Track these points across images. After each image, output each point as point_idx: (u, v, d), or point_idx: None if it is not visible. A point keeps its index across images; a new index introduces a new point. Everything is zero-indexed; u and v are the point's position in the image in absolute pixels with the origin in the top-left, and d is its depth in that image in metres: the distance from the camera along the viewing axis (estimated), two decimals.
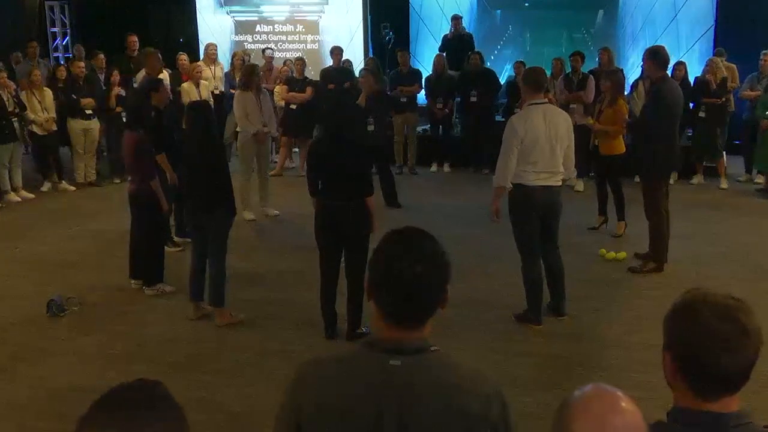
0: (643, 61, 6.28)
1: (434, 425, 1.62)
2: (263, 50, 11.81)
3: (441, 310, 1.71)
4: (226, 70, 11.17)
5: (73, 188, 9.97)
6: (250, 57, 11.75)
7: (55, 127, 9.75)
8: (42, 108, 9.63)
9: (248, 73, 8.39)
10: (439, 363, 1.68)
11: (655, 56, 6.12)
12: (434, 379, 1.64)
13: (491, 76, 10.96)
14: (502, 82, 11.28)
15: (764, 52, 9.76)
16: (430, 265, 1.66)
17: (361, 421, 1.64)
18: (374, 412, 1.63)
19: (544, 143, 5.05)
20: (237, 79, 10.73)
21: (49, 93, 9.75)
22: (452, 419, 1.62)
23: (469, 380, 1.68)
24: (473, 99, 10.55)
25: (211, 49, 11.19)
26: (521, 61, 10.75)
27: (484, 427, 1.65)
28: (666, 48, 6.36)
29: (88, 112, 9.85)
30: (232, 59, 11.29)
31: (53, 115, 9.72)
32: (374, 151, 8.95)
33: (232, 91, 10.67)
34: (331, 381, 1.70)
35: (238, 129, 8.54)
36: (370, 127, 8.87)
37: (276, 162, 10.71)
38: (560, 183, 5.28)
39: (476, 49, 11.30)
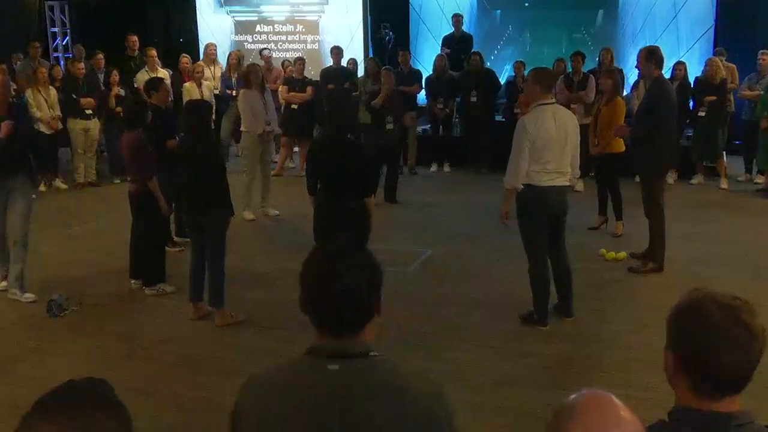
0: (638, 60, 6.31)
1: (376, 427, 1.62)
2: (260, 51, 11.81)
3: (377, 317, 1.73)
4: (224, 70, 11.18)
5: (65, 186, 10.00)
6: (243, 58, 11.75)
7: (60, 126, 9.77)
8: (48, 106, 9.64)
9: (249, 72, 8.37)
10: (378, 367, 1.69)
11: (654, 55, 6.15)
12: (374, 382, 1.65)
13: (492, 76, 10.96)
14: (501, 82, 11.27)
15: (762, 51, 9.76)
16: (348, 281, 1.66)
17: (303, 428, 1.64)
18: (316, 417, 1.63)
19: (554, 143, 5.06)
20: (233, 78, 10.79)
21: (54, 91, 9.78)
22: (393, 421, 1.62)
23: (410, 382, 1.68)
24: (473, 99, 10.55)
25: (210, 49, 11.20)
26: (521, 61, 10.75)
27: (426, 427, 1.64)
28: (661, 48, 6.39)
29: (88, 112, 9.86)
30: (227, 59, 11.27)
31: (58, 113, 9.74)
32: (390, 150, 9.00)
33: (228, 91, 10.71)
34: (273, 389, 1.71)
35: (242, 128, 8.52)
36: (389, 126, 8.88)
37: (276, 162, 10.71)
38: (568, 183, 5.30)
39: (475, 50, 11.30)
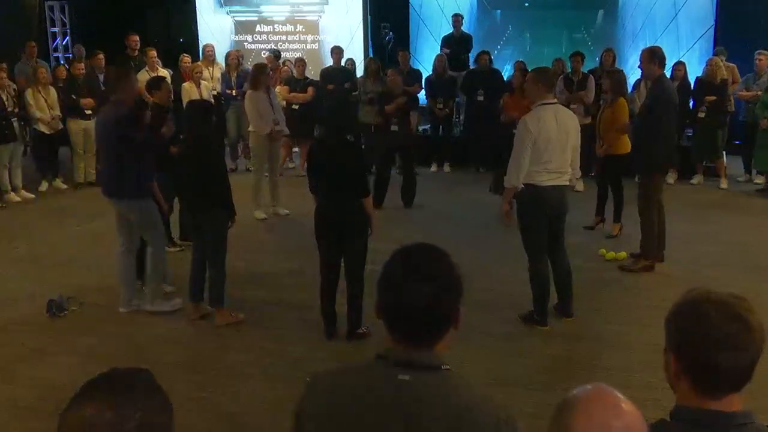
0: (640, 60, 6.31)
1: None
2: (273, 52, 11.79)
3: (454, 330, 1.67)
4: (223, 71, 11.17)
5: (65, 186, 10.01)
6: (243, 57, 11.75)
7: (61, 126, 9.78)
8: (48, 106, 9.66)
9: (257, 72, 8.40)
10: (449, 383, 1.63)
11: (655, 55, 6.16)
12: (443, 398, 1.59)
13: (498, 76, 10.97)
14: None
15: (758, 52, 9.76)
16: (435, 289, 1.60)
17: None
18: (378, 424, 1.60)
19: (556, 143, 5.06)
20: (232, 79, 10.80)
21: (54, 92, 9.79)
22: None
23: (478, 403, 1.63)
24: (480, 98, 10.54)
25: (209, 49, 11.21)
26: (521, 61, 10.75)
27: None
28: (663, 48, 6.40)
29: (88, 112, 9.85)
30: (226, 59, 11.27)
31: (59, 113, 9.75)
32: (403, 151, 8.99)
33: (229, 91, 10.72)
34: (338, 392, 1.67)
35: (250, 129, 8.56)
36: (394, 128, 8.85)
37: None
38: (568, 183, 5.31)
39: (483, 49, 11.29)
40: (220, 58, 11.53)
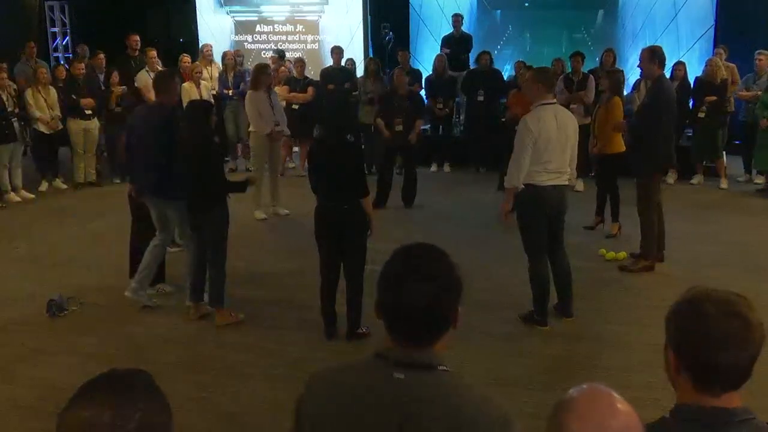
0: (640, 60, 6.31)
1: None
2: (275, 52, 11.79)
3: (453, 330, 1.67)
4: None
5: (65, 186, 10.02)
6: (243, 58, 11.75)
7: (60, 126, 9.79)
8: (48, 106, 9.66)
9: (258, 72, 8.41)
10: (446, 383, 1.62)
11: (656, 55, 6.16)
12: (443, 398, 1.59)
13: (499, 76, 10.97)
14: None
15: (758, 52, 9.77)
16: (435, 288, 1.60)
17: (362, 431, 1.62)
18: (375, 424, 1.60)
19: (555, 143, 5.07)
20: (229, 79, 10.80)
21: (54, 92, 9.79)
22: None
23: (475, 403, 1.61)
24: (480, 98, 10.54)
25: (207, 49, 11.22)
26: (521, 61, 10.75)
27: None
28: (663, 48, 6.40)
29: (88, 112, 9.86)
30: (223, 59, 11.27)
31: (59, 113, 9.76)
32: (404, 152, 8.98)
33: (226, 91, 10.73)
34: (336, 389, 1.68)
35: (250, 129, 8.57)
36: (398, 128, 8.84)
37: None
38: (567, 182, 5.32)
39: (477, 50, 11.29)
40: (219, 58, 11.54)
